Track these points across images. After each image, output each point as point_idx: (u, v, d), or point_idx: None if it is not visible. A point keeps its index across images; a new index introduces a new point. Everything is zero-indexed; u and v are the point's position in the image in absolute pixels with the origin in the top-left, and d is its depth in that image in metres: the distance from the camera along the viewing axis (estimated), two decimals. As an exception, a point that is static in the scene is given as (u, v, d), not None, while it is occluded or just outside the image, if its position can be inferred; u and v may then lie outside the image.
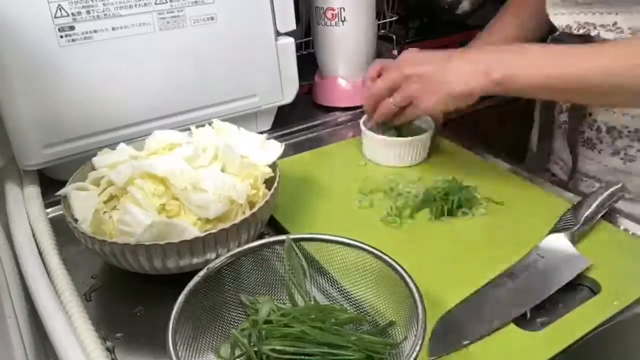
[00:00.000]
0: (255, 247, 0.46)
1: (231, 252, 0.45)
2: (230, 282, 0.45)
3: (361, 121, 0.73)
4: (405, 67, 0.62)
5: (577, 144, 0.72)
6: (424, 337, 0.37)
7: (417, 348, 0.37)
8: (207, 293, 0.43)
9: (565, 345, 0.43)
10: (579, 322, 0.45)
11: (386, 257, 0.44)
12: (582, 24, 0.65)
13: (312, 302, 0.45)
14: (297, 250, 0.46)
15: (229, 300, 0.45)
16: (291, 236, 0.47)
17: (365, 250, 0.45)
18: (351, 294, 0.46)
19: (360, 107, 0.88)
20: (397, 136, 0.71)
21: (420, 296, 0.40)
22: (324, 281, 0.48)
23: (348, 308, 0.45)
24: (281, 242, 0.47)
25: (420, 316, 0.39)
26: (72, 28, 0.60)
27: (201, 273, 0.43)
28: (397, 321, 0.42)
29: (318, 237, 0.47)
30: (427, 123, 0.73)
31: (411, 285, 0.41)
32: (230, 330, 0.42)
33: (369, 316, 0.45)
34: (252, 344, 0.40)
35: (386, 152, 0.71)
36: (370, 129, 0.71)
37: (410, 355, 0.36)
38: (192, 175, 0.51)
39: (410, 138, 0.70)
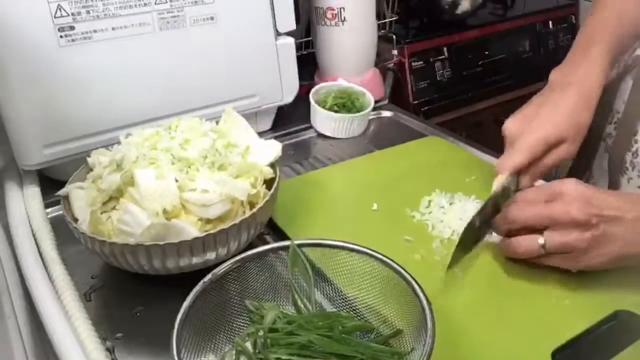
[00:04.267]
0: (260, 253, 0.46)
1: (236, 258, 0.45)
2: (235, 287, 0.45)
3: (311, 93, 0.82)
4: (576, 208, 0.46)
5: (620, 171, 0.65)
6: (432, 348, 0.36)
7: (426, 359, 0.36)
8: (212, 298, 0.43)
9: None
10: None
11: (394, 264, 0.43)
12: None
13: (318, 309, 0.45)
14: (303, 256, 0.46)
15: (234, 306, 0.44)
16: (296, 242, 0.46)
17: (371, 256, 0.44)
18: (357, 301, 0.46)
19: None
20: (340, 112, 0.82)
21: (429, 305, 0.39)
22: (329, 288, 0.47)
23: (354, 315, 0.45)
24: (286, 247, 0.46)
25: (429, 326, 0.38)
26: (72, 28, 0.60)
27: (206, 278, 0.42)
28: (404, 330, 0.42)
29: (323, 243, 0.47)
30: (366, 101, 0.84)
31: (420, 293, 0.40)
32: (235, 338, 0.42)
33: (376, 324, 0.44)
34: (257, 351, 0.40)
35: (327, 124, 0.81)
36: (316, 102, 0.82)
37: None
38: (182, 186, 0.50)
39: (349, 115, 0.80)
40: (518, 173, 0.57)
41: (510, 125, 0.57)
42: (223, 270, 0.44)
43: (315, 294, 0.45)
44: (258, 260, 0.46)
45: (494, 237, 0.55)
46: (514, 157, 0.55)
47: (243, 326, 0.44)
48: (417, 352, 0.38)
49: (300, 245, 0.46)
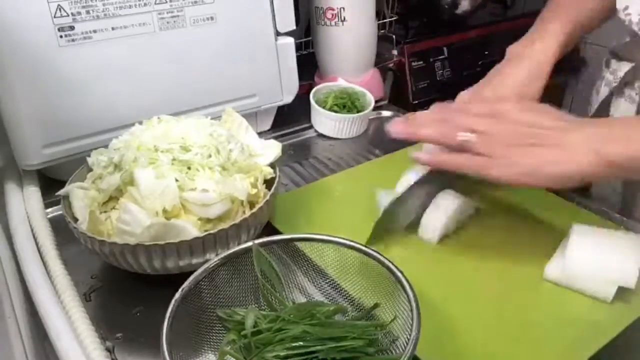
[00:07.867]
0: (227, 257, 0.45)
1: (205, 266, 0.44)
2: (208, 296, 0.44)
3: (311, 93, 0.82)
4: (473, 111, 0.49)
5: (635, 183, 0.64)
6: (419, 320, 0.38)
7: (415, 333, 0.37)
8: (189, 310, 0.42)
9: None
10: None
11: (370, 250, 0.44)
12: None
13: (291, 304, 0.45)
14: (266, 255, 0.46)
15: (211, 316, 0.44)
16: (257, 241, 0.46)
17: (341, 244, 0.46)
18: (333, 288, 0.47)
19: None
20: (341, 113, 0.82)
21: (407, 280, 0.41)
22: (301, 280, 0.48)
23: (325, 301, 0.46)
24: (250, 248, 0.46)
25: (411, 295, 0.40)
26: (72, 28, 0.60)
27: (177, 295, 0.41)
28: (382, 303, 0.43)
29: (287, 238, 0.47)
30: (367, 101, 0.83)
31: (392, 267, 0.42)
32: (220, 347, 0.41)
33: (353, 306, 0.45)
34: (247, 358, 0.39)
35: (327, 124, 0.82)
36: (317, 102, 0.82)
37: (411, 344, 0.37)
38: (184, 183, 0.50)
39: (349, 115, 0.81)
40: None
41: (463, 96, 0.59)
42: (192, 281, 0.43)
43: (284, 289, 0.46)
44: (226, 265, 0.45)
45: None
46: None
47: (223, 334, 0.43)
48: (402, 322, 0.41)
49: (262, 244, 0.46)
